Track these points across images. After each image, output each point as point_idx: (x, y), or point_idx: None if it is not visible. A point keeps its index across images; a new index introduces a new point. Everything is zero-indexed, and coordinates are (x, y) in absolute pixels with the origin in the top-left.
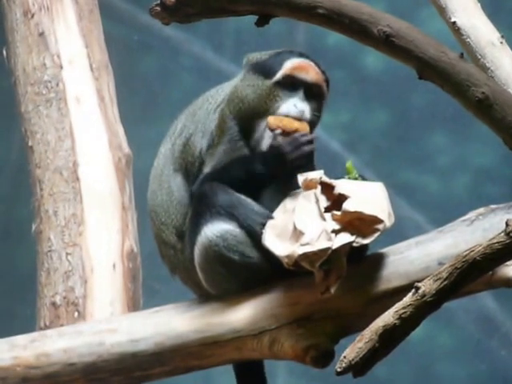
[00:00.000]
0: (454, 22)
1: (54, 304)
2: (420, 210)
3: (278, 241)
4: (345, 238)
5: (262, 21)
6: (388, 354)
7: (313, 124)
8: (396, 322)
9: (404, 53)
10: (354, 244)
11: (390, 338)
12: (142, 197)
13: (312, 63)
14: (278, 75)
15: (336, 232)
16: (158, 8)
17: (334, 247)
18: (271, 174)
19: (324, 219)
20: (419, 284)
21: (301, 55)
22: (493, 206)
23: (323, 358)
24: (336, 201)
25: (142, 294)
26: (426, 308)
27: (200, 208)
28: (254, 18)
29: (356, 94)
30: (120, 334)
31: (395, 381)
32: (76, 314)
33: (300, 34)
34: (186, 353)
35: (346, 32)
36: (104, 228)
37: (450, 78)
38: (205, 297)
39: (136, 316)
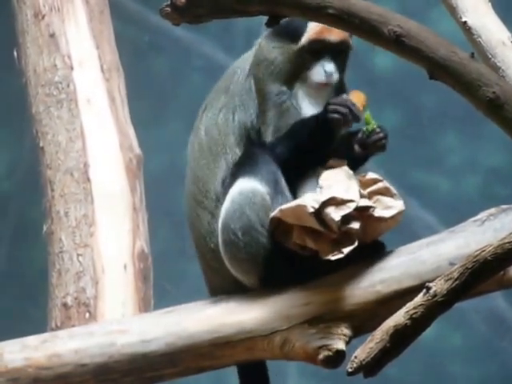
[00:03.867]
0: (465, 22)
1: (65, 305)
2: (431, 210)
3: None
4: (367, 202)
5: (272, 21)
6: (399, 354)
7: (342, 72)
8: (407, 322)
9: (414, 53)
10: (375, 213)
11: (401, 338)
12: (152, 197)
13: None
14: (304, 40)
15: (361, 196)
16: (169, 9)
17: (359, 204)
18: (332, 136)
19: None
20: (430, 284)
21: None
22: (504, 206)
23: (334, 358)
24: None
25: (153, 294)
26: (437, 308)
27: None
28: (264, 19)
29: (366, 95)
30: (131, 335)
31: (406, 381)
32: (87, 314)
33: None
34: (197, 353)
35: (356, 32)
36: (115, 229)
37: (461, 77)
38: (216, 297)
39: (147, 316)
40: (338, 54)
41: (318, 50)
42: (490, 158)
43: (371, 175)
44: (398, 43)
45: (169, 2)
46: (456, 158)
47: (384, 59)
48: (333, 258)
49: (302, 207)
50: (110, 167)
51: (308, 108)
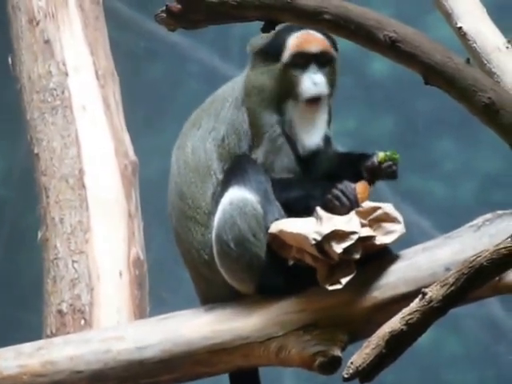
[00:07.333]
0: (460, 28)
1: (60, 312)
2: (427, 215)
3: (301, 223)
4: (368, 232)
5: (268, 26)
6: (395, 359)
7: (332, 87)
8: (403, 327)
9: (410, 58)
10: (376, 241)
11: (397, 344)
12: (148, 204)
13: (313, 32)
14: (286, 56)
15: (362, 225)
16: (164, 14)
17: (361, 235)
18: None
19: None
20: (426, 290)
21: (300, 27)
22: (499, 212)
23: (330, 364)
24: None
25: (149, 301)
26: (432, 314)
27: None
28: (260, 24)
29: (362, 100)
30: (127, 342)
31: None
32: (82, 321)
33: None
34: (193, 360)
35: (352, 38)
36: (110, 235)
37: (456, 83)
38: (210, 304)
39: (143, 323)
40: (323, 65)
41: (302, 63)
42: (486, 163)
43: (369, 204)
44: (393, 49)
45: (164, 8)
46: (452, 163)
47: (380, 65)
48: (330, 288)
49: (303, 236)
50: (105, 174)
51: (302, 130)
